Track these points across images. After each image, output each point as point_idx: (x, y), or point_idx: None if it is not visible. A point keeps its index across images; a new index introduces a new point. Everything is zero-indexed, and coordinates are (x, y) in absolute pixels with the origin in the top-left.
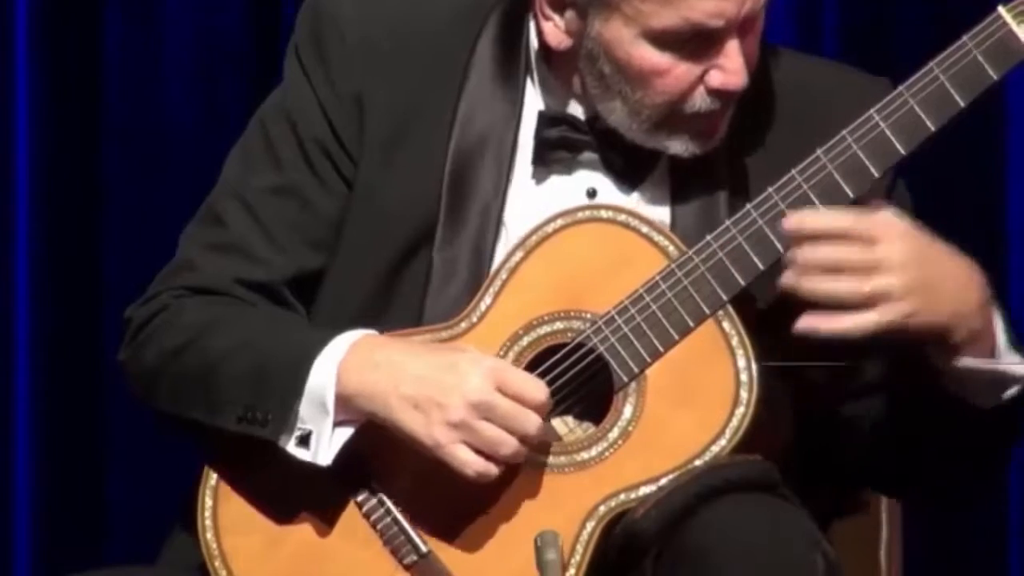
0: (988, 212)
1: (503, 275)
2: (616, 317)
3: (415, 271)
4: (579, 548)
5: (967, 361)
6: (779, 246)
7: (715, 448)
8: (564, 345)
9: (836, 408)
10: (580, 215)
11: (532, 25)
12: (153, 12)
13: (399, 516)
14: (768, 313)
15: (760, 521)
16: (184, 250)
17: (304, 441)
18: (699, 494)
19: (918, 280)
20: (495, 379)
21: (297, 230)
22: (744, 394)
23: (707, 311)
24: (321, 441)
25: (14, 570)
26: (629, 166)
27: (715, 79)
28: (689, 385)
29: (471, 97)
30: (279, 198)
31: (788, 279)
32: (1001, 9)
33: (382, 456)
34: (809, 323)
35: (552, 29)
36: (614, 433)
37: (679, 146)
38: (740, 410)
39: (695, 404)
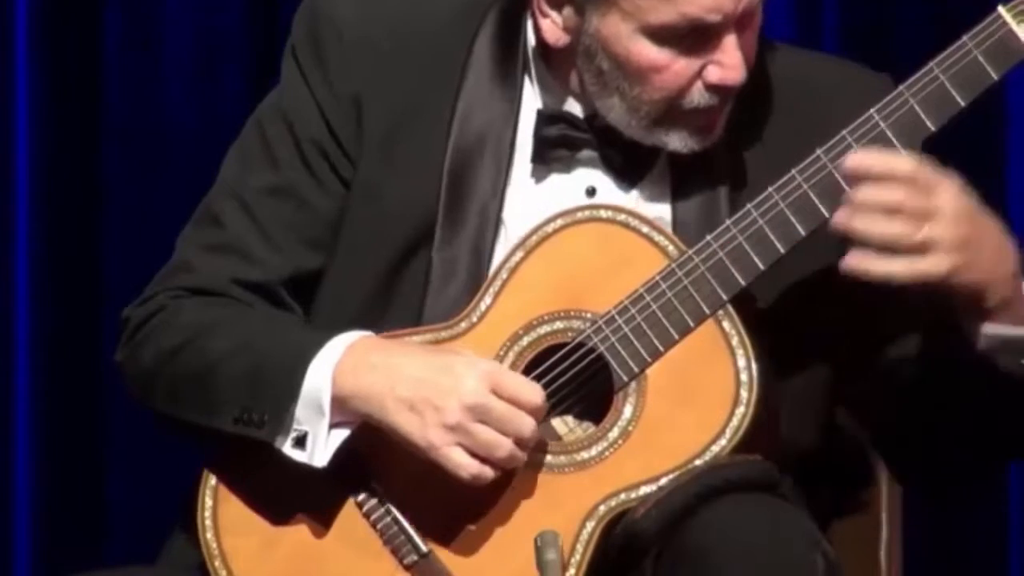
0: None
1: (503, 275)
2: (616, 317)
3: (414, 271)
4: (579, 548)
5: (993, 328)
6: (779, 246)
7: (715, 448)
8: (564, 345)
9: (860, 386)
10: (580, 215)
11: (530, 23)
12: (153, 12)
13: (399, 516)
14: (769, 312)
15: (760, 521)
16: (181, 251)
17: (300, 442)
18: (699, 494)
19: (966, 237)
20: (491, 382)
21: (294, 230)
22: (744, 394)
23: (707, 311)
24: (317, 443)
25: (14, 570)
26: (628, 163)
27: (713, 74)
28: (689, 385)
29: (469, 96)
30: (276, 198)
31: (841, 217)
32: (1001, 9)
33: (382, 456)
34: (856, 261)
35: (550, 26)
36: (614, 433)
37: (678, 142)
38: (740, 410)
39: (695, 404)
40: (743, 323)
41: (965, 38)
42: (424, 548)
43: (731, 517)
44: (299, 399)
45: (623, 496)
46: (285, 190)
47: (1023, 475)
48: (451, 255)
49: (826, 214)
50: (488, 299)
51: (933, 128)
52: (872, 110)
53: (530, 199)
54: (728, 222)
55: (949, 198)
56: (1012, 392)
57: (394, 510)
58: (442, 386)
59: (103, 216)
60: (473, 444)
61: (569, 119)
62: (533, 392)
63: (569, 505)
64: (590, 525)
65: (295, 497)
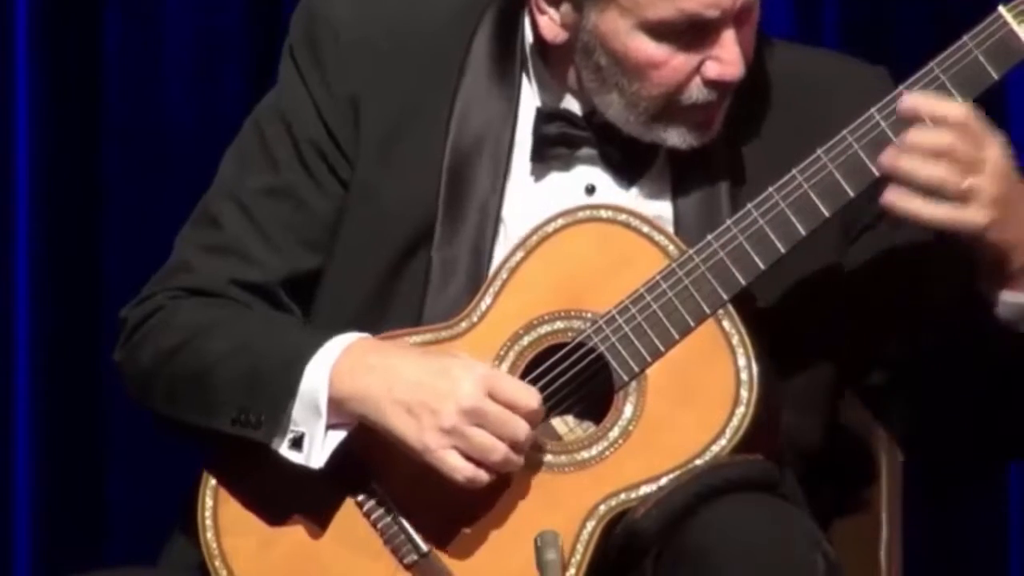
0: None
1: (503, 275)
2: (617, 316)
3: (414, 270)
4: (579, 547)
5: (1014, 295)
6: (780, 246)
7: (715, 447)
8: (564, 344)
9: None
10: (580, 215)
11: (527, 21)
12: (153, 12)
13: (399, 516)
14: (769, 312)
15: (761, 521)
16: (180, 251)
17: (297, 443)
18: (699, 494)
19: (1006, 195)
20: (487, 386)
21: (292, 231)
22: (744, 393)
23: (708, 310)
24: (314, 444)
25: (14, 570)
26: (628, 161)
27: (712, 70)
28: (690, 384)
29: (467, 95)
30: (274, 199)
31: (887, 158)
32: (1002, 8)
33: (383, 456)
34: (896, 198)
35: (548, 23)
36: (614, 432)
37: (677, 138)
38: (740, 409)
39: (696, 403)
40: (743, 323)
41: (965, 38)
42: (424, 548)
43: (731, 517)
44: (296, 400)
45: (623, 496)
46: (283, 191)
47: (1023, 475)
48: (451, 254)
49: (826, 214)
50: (488, 299)
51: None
52: (873, 109)
53: (529, 197)
54: (728, 222)
55: (996, 153)
56: None
57: (394, 510)
58: (439, 389)
59: (103, 216)
60: (468, 448)
61: (568, 117)
62: (529, 396)
63: (569, 505)
64: (590, 525)
65: (295, 497)
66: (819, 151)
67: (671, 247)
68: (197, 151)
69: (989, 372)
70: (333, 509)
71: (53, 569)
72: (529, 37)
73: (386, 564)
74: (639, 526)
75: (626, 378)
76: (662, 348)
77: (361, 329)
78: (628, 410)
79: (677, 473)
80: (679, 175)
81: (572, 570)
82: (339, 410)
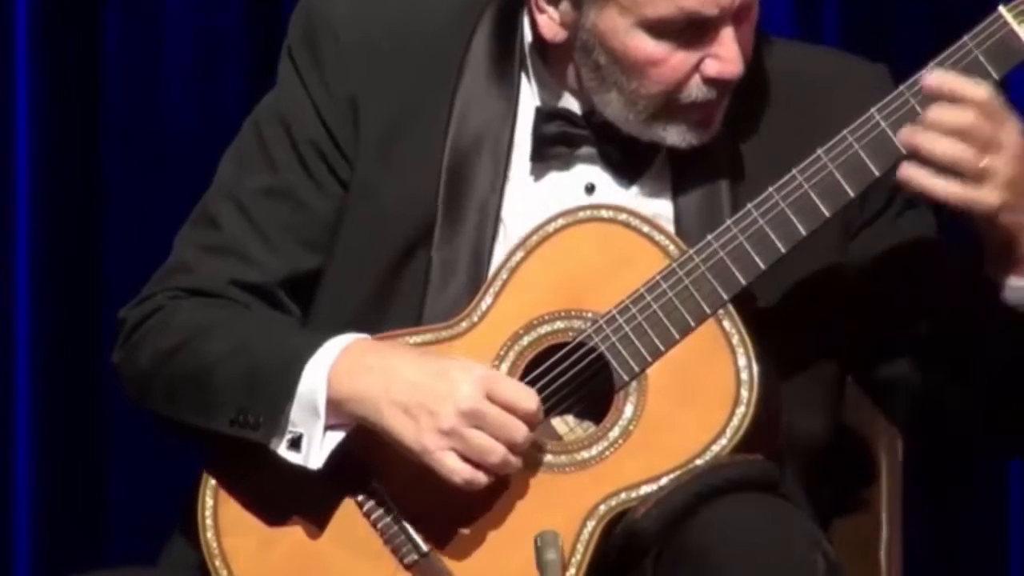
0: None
1: (503, 275)
2: (617, 316)
3: (414, 270)
4: (579, 547)
5: (1020, 281)
6: (780, 246)
7: (716, 447)
8: (565, 344)
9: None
10: (581, 215)
11: (526, 20)
12: (153, 12)
13: (399, 516)
14: (769, 312)
15: (761, 521)
16: (179, 251)
17: (295, 444)
18: (700, 493)
19: (1021, 178)
20: (486, 387)
21: (291, 231)
22: (745, 393)
23: (708, 310)
24: (312, 444)
25: (14, 570)
26: (627, 159)
27: (711, 68)
28: (690, 384)
29: (466, 95)
30: (273, 199)
31: (907, 133)
32: (1002, 9)
33: (383, 456)
34: (912, 173)
35: (547, 22)
36: (615, 432)
37: (676, 137)
38: (741, 409)
39: (696, 403)
40: (744, 322)
41: (966, 38)
42: (424, 547)
43: (732, 517)
44: (294, 401)
45: (624, 495)
46: (282, 191)
47: (1023, 475)
48: (450, 254)
49: (827, 214)
50: (488, 299)
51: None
52: (873, 109)
53: (529, 197)
54: (729, 222)
55: (1014, 135)
56: None
57: (394, 510)
58: (437, 391)
59: (103, 216)
60: (466, 449)
61: (567, 116)
62: (528, 398)
63: (569, 504)
64: (591, 524)
65: (296, 497)
66: (819, 151)
67: (671, 247)
68: (197, 151)
69: (995, 357)
70: (333, 509)
71: (53, 569)
72: (528, 36)
73: (386, 564)
74: (639, 526)
75: (626, 378)
76: (662, 348)
77: (361, 329)
78: (628, 410)
79: (677, 473)
80: (679, 174)
81: (572, 570)
82: (337, 411)
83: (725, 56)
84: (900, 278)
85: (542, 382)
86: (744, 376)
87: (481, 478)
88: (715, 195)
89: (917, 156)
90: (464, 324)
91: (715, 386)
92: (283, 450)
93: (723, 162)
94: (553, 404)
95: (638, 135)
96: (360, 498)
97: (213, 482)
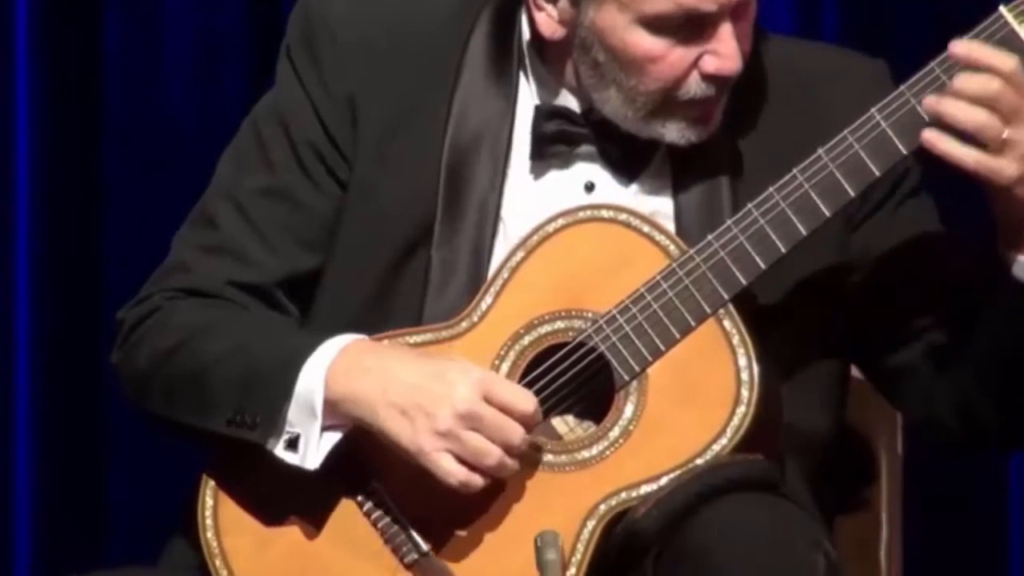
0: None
1: (504, 274)
2: (617, 316)
3: (414, 270)
4: (580, 547)
5: None
6: (780, 245)
7: (716, 447)
8: (565, 344)
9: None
10: (581, 215)
11: (524, 18)
12: (153, 12)
13: (399, 515)
14: (770, 311)
15: (761, 521)
16: (177, 252)
17: (293, 445)
18: (700, 493)
19: None
20: (483, 389)
21: (289, 231)
22: (745, 393)
23: (708, 310)
24: (309, 445)
25: (14, 570)
26: (627, 157)
27: (709, 64)
28: (690, 384)
29: (465, 94)
30: (271, 200)
31: (931, 100)
32: (1003, 8)
33: (383, 456)
34: (934, 137)
35: (545, 19)
36: (615, 432)
37: (675, 134)
38: (741, 409)
39: (696, 403)
40: (744, 322)
41: (966, 37)
42: (424, 547)
43: (732, 517)
44: (292, 401)
45: (624, 495)
46: (280, 191)
47: (1023, 475)
48: (450, 254)
49: (827, 214)
50: (489, 299)
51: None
52: (873, 109)
53: (529, 195)
54: (729, 222)
55: None
56: None
57: (394, 509)
58: (434, 392)
59: (103, 216)
60: (463, 451)
61: (566, 114)
62: (525, 400)
63: (570, 504)
64: (591, 524)
65: (296, 497)
66: (820, 151)
67: (672, 247)
68: (197, 151)
69: (1005, 334)
70: (334, 509)
71: (53, 569)
72: (526, 34)
73: (386, 563)
74: (639, 525)
75: (627, 377)
76: (663, 347)
77: (362, 329)
78: (629, 409)
79: (678, 472)
80: (679, 171)
81: (572, 569)
82: (334, 411)
83: (724, 52)
84: (904, 265)
85: (542, 382)
86: (744, 376)
87: (477, 480)
88: (715, 192)
89: (940, 123)
90: (464, 324)
91: (715, 386)
92: (280, 450)
93: (723, 159)
94: (553, 404)
95: (637, 132)
96: (360, 498)
97: (213, 482)
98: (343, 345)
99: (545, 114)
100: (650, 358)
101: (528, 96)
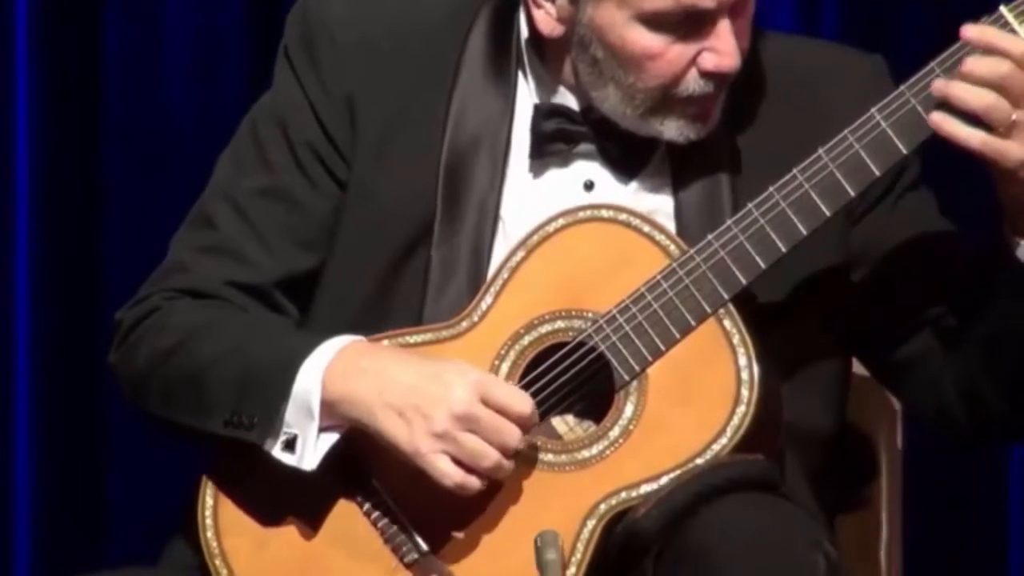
0: (992, 210)
1: (504, 274)
2: (617, 316)
3: (414, 269)
4: (580, 546)
5: None
6: (781, 245)
7: (716, 447)
8: (565, 344)
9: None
10: (581, 215)
11: (522, 17)
12: (153, 12)
13: (399, 515)
14: (770, 311)
15: (762, 521)
16: (175, 252)
17: (290, 445)
18: (700, 493)
19: None
20: (480, 391)
21: (287, 232)
22: (745, 392)
23: (708, 309)
24: (307, 446)
25: (14, 570)
26: (626, 155)
27: (708, 61)
28: (690, 383)
29: (463, 93)
30: (269, 200)
31: (940, 84)
32: (1003, 8)
33: (383, 456)
34: (942, 119)
35: (544, 17)
36: (615, 431)
37: (674, 131)
38: (741, 409)
39: (696, 402)
40: (744, 321)
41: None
42: (424, 546)
43: (733, 517)
44: (289, 402)
45: (624, 495)
46: (278, 192)
47: (1023, 475)
48: (450, 253)
49: (827, 213)
50: (489, 298)
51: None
52: (873, 109)
53: (528, 194)
54: (729, 221)
55: None
56: None
57: (394, 509)
58: (431, 394)
59: (103, 216)
60: (459, 453)
61: (565, 113)
62: (522, 403)
63: (570, 503)
64: (591, 524)
65: (295, 497)
66: (820, 150)
67: (672, 247)
68: (197, 151)
69: (1009, 317)
70: (334, 509)
71: (53, 569)
72: (524, 32)
73: (386, 563)
74: (640, 525)
75: (627, 377)
76: (663, 347)
77: (362, 329)
78: (629, 409)
79: (678, 472)
80: (678, 169)
81: (572, 569)
82: (331, 412)
83: (722, 49)
84: (905, 258)
85: (542, 381)
86: (745, 375)
87: (473, 482)
88: (715, 189)
89: (950, 104)
90: (464, 324)
91: (716, 385)
92: (277, 451)
93: (722, 156)
94: (553, 404)
95: (635, 130)
96: (360, 498)
97: (213, 482)
98: (341, 346)
99: (544, 113)
100: (650, 358)
101: (527, 95)
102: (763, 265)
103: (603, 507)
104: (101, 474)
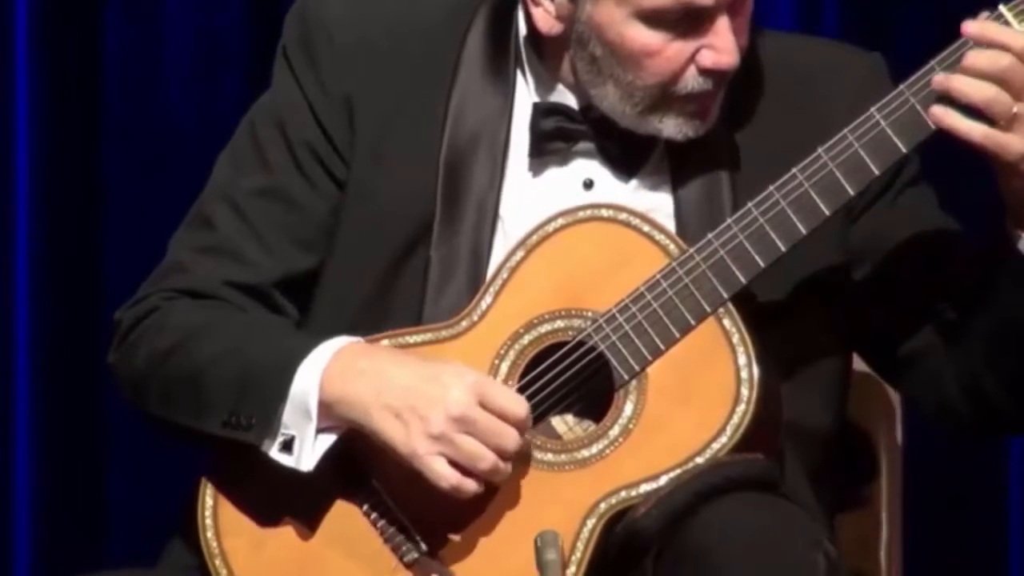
0: (993, 205)
1: (504, 274)
2: (617, 315)
3: (413, 269)
4: (580, 546)
5: None
6: (780, 244)
7: (716, 446)
8: (565, 343)
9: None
10: (581, 214)
11: (521, 15)
12: (153, 12)
13: (399, 514)
14: (770, 310)
15: (762, 521)
16: (174, 252)
17: (287, 446)
18: (700, 493)
19: None
20: (477, 393)
21: (286, 232)
22: (745, 392)
23: (708, 309)
24: (304, 447)
25: (14, 570)
26: (625, 154)
27: (707, 58)
28: (690, 383)
29: (462, 93)
30: (268, 200)
31: (941, 78)
32: (1002, 8)
33: (382, 456)
34: (942, 112)
35: (542, 15)
36: (615, 431)
37: (672, 129)
38: (741, 408)
39: (696, 402)
40: (744, 321)
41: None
42: (424, 546)
43: (733, 516)
44: (287, 403)
45: (623, 494)
46: (277, 192)
47: (1023, 475)
48: (449, 252)
49: (827, 213)
50: (489, 298)
51: (934, 127)
52: (873, 108)
53: (527, 193)
54: (729, 220)
55: None
56: None
57: (394, 509)
58: (429, 395)
59: (103, 216)
60: (456, 454)
61: (565, 111)
62: (519, 405)
63: (569, 503)
64: (591, 523)
65: (295, 497)
66: (820, 150)
67: (672, 246)
68: (197, 151)
69: (1012, 306)
70: (333, 509)
71: (53, 569)
72: (523, 31)
73: (386, 563)
74: (640, 525)
75: (626, 376)
76: (662, 346)
77: (361, 328)
78: (628, 408)
79: (677, 471)
80: (678, 167)
81: (572, 568)
82: (329, 413)
83: (721, 47)
84: (906, 254)
85: (542, 381)
86: (744, 374)
87: (470, 485)
88: (715, 187)
89: (951, 97)
90: (464, 323)
91: (715, 384)
92: (275, 452)
93: (721, 154)
94: (553, 403)
95: (634, 128)
96: (360, 498)
97: (213, 483)
98: (339, 347)
99: (543, 111)
100: (650, 357)
101: (525, 93)
102: (763, 264)
103: (603, 506)
104: (101, 474)
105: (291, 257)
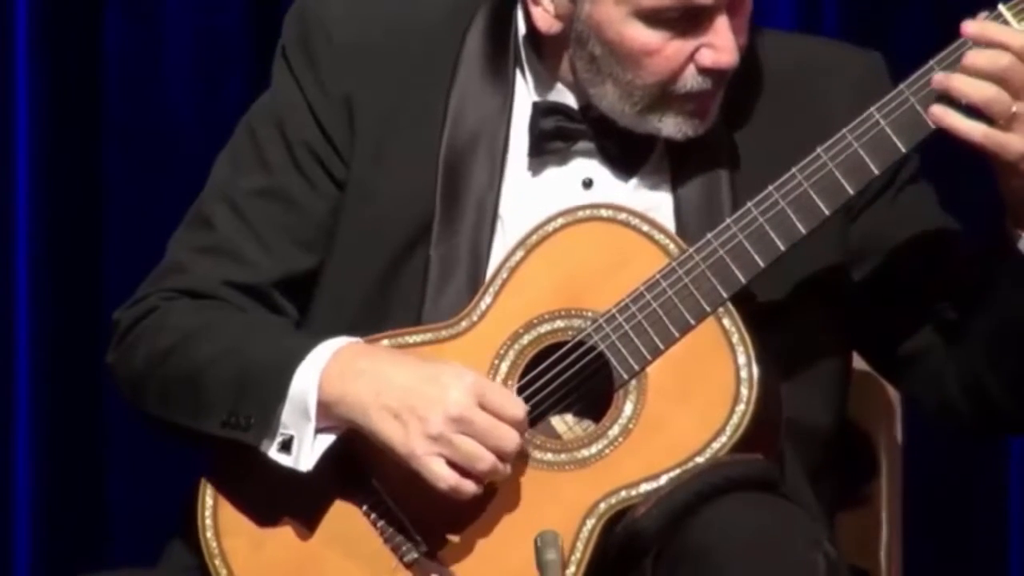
0: (993, 204)
1: (503, 274)
2: (617, 315)
3: (413, 269)
4: (579, 545)
5: None
6: (780, 244)
7: (715, 445)
8: (565, 343)
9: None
10: (580, 214)
11: (520, 14)
12: (153, 12)
13: (399, 514)
14: (769, 309)
15: (762, 520)
16: (173, 253)
17: (286, 446)
18: (700, 493)
19: None
20: (476, 394)
21: (285, 232)
22: (744, 391)
23: (708, 308)
24: (303, 447)
25: (14, 570)
26: (625, 153)
27: (706, 57)
28: (690, 382)
29: (461, 92)
30: (267, 200)
31: (940, 77)
32: (1002, 7)
33: (382, 456)
34: (942, 112)
35: (542, 14)
36: (614, 431)
37: (672, 128)
38: (740, 407)
39: (696, 401)
40: (744, 320)
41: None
42: (424, 546)
43: (732, 516)
44: (286, 403)
45: (623, 494)
46: (276, 192)
47: (1023, 475)
48: (449, 252)
49: (826, 212)
50: (488, 298)
51: (933, 126)
52: (872, 108)
53: (527, 193)
54: (729, 220)
55: None
56: None
57: (394, 508)
58: (427, 396)
59: (103, 216)
60: (454, 455)
61: (564, 111)
62: (517, 406)
63: (569, 502)
64: (590, 523)
65: (295, 497)
66: (819, 149)
67: (671, 246)
68: (197, 151)
69: (1012, 305)
70: (333, 509)
71: (53, 570)
72: (522, 30)
73: (386, 562)
74: (640, 525)
75: (626, 376)
76: (662, 346)
77: (361, 328)
78: (628, 408)
79: (677, 471)
80: (677, 166)
81: (572, 568)
82: (328, 414)
83: (720, 46)
84: (906, 252)
85: (542, 381)
86: (744, 374)
87: (468, 486)
88: (714, 186)
89: (951, 97)
90: (464, 323)
91: (715, 384)
92: (274, 452)
93: (721, 153)
94: (552, 403)
95: (634, 127)
96: (360, 498)
97: (213, 483)
98: (337, 347)
99: (543, 110)
100: (649, 357)
101: (525, 93)
102: (762, 264)
103: (603, 506)
104: (101, 474)
105: (290, 257)
